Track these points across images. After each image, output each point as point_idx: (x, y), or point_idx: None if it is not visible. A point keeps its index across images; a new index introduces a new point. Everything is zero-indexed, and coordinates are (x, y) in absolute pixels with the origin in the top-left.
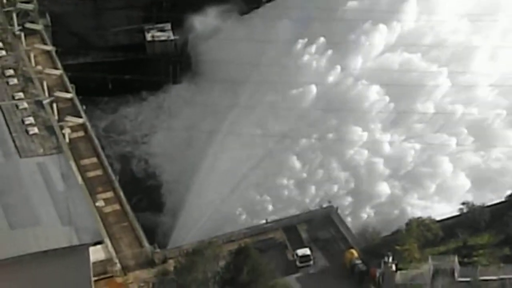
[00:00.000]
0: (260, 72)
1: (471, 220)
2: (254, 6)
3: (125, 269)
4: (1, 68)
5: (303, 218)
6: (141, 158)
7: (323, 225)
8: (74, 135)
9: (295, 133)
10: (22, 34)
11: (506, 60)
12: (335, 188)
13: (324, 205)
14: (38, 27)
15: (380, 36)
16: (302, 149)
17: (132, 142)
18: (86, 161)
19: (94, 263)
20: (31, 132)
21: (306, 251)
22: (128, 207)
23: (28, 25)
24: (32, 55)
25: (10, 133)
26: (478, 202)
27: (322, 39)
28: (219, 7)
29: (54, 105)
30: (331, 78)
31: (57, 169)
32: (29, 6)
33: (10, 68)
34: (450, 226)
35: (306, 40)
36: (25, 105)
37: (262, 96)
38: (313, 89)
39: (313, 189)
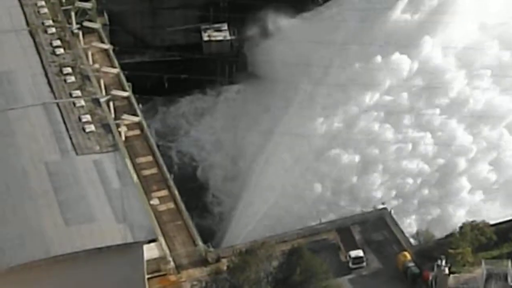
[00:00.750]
0: (316, 73)
1: None
2: (312, 6)
3: (179, 268)
4: (59, 66)
5: (356, 219)
6: (196, 157)
7: (376, 227)
8: (130, 133)
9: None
10: (80, 33)
11: None
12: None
13: (378, 207)
14: (96, 25)
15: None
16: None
17: (187, 142)
18: (141, 159)
19: (148, 260)
20: (87, 130)
21: (359, 252)
22: (182, 206)
23: (86, 23)
24: (89, 54)
25: (67, 130)
26: None
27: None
28: (276, 7)
29: (111, 103)
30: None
31: (113, 167)
32: (87, 5)
33: (68, 66)
34: (504, 230)
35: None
36: (82, 103)
37: (317, 98)
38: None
39: (366, 191)
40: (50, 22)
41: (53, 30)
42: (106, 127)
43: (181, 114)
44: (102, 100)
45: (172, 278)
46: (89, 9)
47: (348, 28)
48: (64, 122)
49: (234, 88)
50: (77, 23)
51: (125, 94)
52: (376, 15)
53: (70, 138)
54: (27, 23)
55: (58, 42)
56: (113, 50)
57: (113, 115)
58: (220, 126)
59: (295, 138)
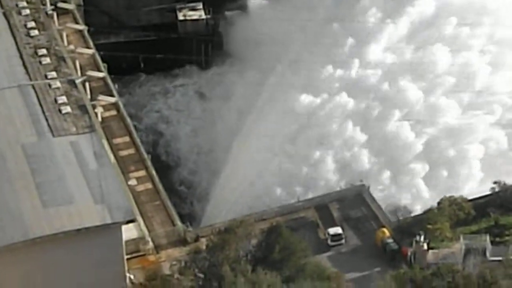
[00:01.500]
0: (293, 52)
1: (503, 199)
2: None
3: (158, 248)
4: (34, 48)
5: (334, 196)
6: (173, 136)
7: (354, 204)
8: (107, 114)
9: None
10: (55, 14)
11: None
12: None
13: (356, 183)
14: (70, 6)
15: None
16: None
17: (164, 121)
18: (118, 140)
19: (126, 241)
20: (64, 111)
21: (338, 229)
22: (160, 186)
23: (60, 4)
24: (64, 35)
25: (43, 112)
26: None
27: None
28: None
29: (87, 84)
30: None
31: (90, 148)
32: None
33: (42, 48)
34: (482, 205)
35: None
36: (58, 84)
37: (295, 76)
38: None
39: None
40: (24, 3)
41: (27, 11)
42: (82, 108)
43: (156, 92)
44: (77, 81)
45: (151, 258)
46: None
47: (327, 6)
48: (40, 104)
49: (210, 67)
50: (51, 4)
51: (100, 74)
52: None
53: (46, 120)
54: (1, 5)
55: (32, 24)
56: (88, 30)
57: (89, 96)
58: (196, 106)
59: (272, 116)
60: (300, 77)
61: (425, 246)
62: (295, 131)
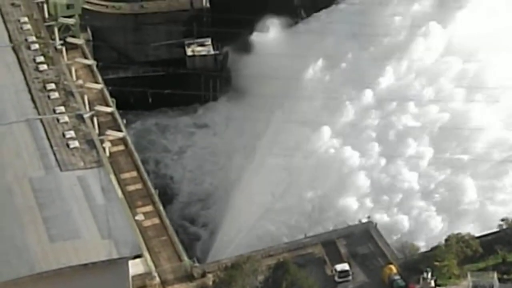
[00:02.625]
0: (301, 87)
1: (511, 236)
2: (296, 20)
3: (164, 283)
4: (42, 82)
5: (342, 233)
6: (181, 173)
7: (362, 240)
8: (114, 149)
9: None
10: (64, 48)
11: None
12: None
13: (363, 220)
14: (79, 41)
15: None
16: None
17: (172, 157)
18: (126, 175)
19: (133, 276)
20: (71, 146)
21: (345, 266)
22: (167, 221)
23: (69, 39)
24: (73, 69)
25: (51, 146)
26: None
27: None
28: (260, 21)
29: (95, 119)
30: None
31: (97, 183)
32: (71, 21)
33: (51, 82)
34: (489, 242)
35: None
36: (66, 119)
37: (302, 112)
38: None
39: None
40: (33, 38)
41: (36, 46)
42: (90, 143)
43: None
44: (86, 116)
45: None
46: (72, 25)
47: (336, 41)
48: (48, 138)
49: (218, 103)
50: (60, 39)
51: (109, 109)
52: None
53: (54, 154)
54: (10, 40)
55: (41, 58)
56: (97, 65)
57: (97, 131)
58: (206, 141)
59: (280, 152)
60: (307, 114)
61: (432, 283)
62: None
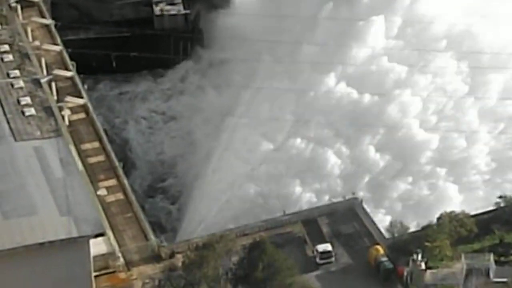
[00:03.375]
0: (278, 50)
1: (509, 215)
2: None
3: (129, 264)
4: None
5: (324, 210)
6: (147, 142)
7: (346, 219)
8: (74, 117)
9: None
10: (19, 6)
11: None
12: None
13: (348, 197)
14: None
15: None
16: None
17: (139, 125)
18: (87, 146)
19: (95, 257)
20: (27, 114)
21: (327, 246)
22: (132, 197)
23: None
24: (29, 29)
25: (5, 114)
26: None
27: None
28: None
29: (53, 84)
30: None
31: (55, 154)
32: None
33: (5, 44)
34: (485, 221)
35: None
36: (21, 83)
37: (279, 77)
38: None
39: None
40: None
41: None
42: (48, 110)
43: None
44: (43, 80)
45: (122, 275)
46: None
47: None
48: (1, 105)
49: (189, 67)
50: None
51: (68, 74)
52: None
53: (8, 123)
54: None
55: None
56: (55, 25)
57: (55, 97)
58: (174, 110)
59: (256, 121)
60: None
61: (423, 266)
62: (279, 139)
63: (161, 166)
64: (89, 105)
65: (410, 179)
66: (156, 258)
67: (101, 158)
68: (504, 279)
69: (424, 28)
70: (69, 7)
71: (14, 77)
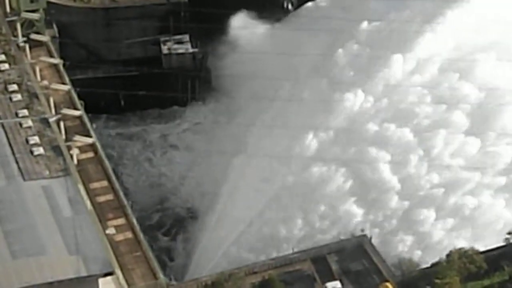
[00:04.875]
0: (287, 88)
1: None
2: (282, 15)
3: None
4: (4, 83)
5: (333, 248)
6: (157, 181)
7: (355, 256)
8: (83, 156)
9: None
10: (27, 46)
11: None
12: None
13: (357, 234)
14: (45, 38)
15: None
16: (331, 173)
17: (148, 165)
18: (95, 185)
19: None
20: (36, 153)
21: (337, 284)
22: (141, 235)
23: (33, 36)
24: (37, 69)
25: (13, 153)
26: None
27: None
28: (243, 17)
29: (61, 124)
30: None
31: (64, 193)
32: (35, 16)
33: (13, 83)
34: (494, 258)
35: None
36: (30, 123)
37: (288, 115)
38: (345, 106)
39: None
40: None
41: None
42: (56, 150)
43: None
44: (51, 120)
45: None
46: (37, 20)
47: (319, 39)
48: (10, 145)
49: (197, 105)
50: (23, 36)
51: (77, 113)
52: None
53: (17, 162)
54: None
55: (2, 57)
56: (64, 65)
57: (63, 136)
58: (184, 149)
59: (265, 160)
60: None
61: None
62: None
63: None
64: (98, 144)
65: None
66: None
67: (109, 197)
68: None
69: None
70: (78, 47)
71: (22, 117)
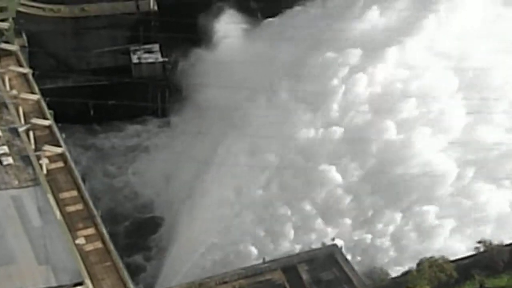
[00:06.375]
0: (258, 96)
1: (489, 260)
2: (254, 24)
3: None
4: None
5: (304, 257)
6: (126, 191)
7: (325, 265)
8: (52, 165)
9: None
10: None
11: None
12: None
13: (327, 243)
14: (14, 47)
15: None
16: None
17: (117, 174)
18: (65, 194)
19: None
20: (5, 163)
21: None
22: (111, 245)
23: (2, 45)
24: (6, 78)
25: None
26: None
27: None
28: (214, 26)
29: (31, 133)
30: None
31: (33, 203)
32: (4, 25)
33: None
34: (465, 266)
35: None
36: None
37: (259, 124)
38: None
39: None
40: None
41: None
42: (26, 159)
43: (107, 144)
44: (20, 129)
45: None
46: (6, 30)
47: (295, 45)
48: None
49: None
50: None
51: (46, 122)
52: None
53: None
54: None
55: None
56: (33, 74)
57: (33, 146)
58: (150, 159)
59: (236, 170)
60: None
61: None
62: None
63: (140, 216)
64: (67, 154)
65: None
66: None
67: (79, 207)
68: None
69: None
70: (47, 56)
71: None
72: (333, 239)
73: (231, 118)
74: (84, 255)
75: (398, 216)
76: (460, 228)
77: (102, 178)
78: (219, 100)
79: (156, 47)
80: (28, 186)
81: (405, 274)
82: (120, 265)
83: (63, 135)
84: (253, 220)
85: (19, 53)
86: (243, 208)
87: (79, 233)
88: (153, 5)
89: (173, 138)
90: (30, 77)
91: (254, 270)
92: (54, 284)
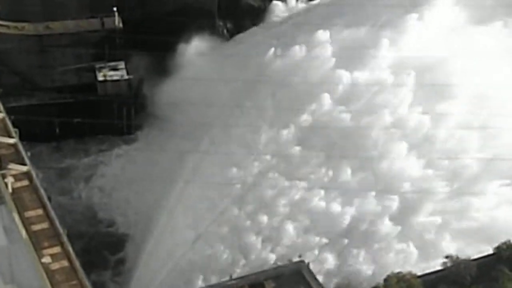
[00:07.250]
0: (224, 113)
1: (456, 275)
2: (219, 41)
3: None
4: None
5: (270, 274)
6: (92, 210)
7: (292, 282)
8: (18, 184)
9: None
10: None
11: None
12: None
13: (294, 260)
14: None
15: None
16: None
17: (81, 191)
18: (31, 213)
19: None
20: None
21: None
22: (77, 264)
23: None
24: None
25: None
26: (463, 255)
27: None
28: (179, 43)
29: None
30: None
31: None
32: None
33: None
34: (432, 281)
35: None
36: None
37: (226, 141)
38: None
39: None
40: None
41: None
42: None
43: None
44: None
45: None
46: None
47: (259, 63)
48: None
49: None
50: None
51: (11, 141)
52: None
53: None
54: None
55: None
56: None
57: None
58: (118, 174)
59: (204, 187)
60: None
61: None
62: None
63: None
64: (33, 173)
65: None
66: None
67: (45, 225)
68: None
69: None
70: (11, 74)
71: None
72: (300, 256)
73: (198, 134)
74: (50, 274)
75: None
76: None
77: (66, 195)
78: (186, 116)
79: (121, 64)
80: None
81: None
82: (86, 283)
83: (28, 153)
84: (221, 236)
85: None
86: (212, 223)
87: (45, 251)
88: (118, 23)
89: (138, 155)
90: None
91: (220, 287)
92: None
